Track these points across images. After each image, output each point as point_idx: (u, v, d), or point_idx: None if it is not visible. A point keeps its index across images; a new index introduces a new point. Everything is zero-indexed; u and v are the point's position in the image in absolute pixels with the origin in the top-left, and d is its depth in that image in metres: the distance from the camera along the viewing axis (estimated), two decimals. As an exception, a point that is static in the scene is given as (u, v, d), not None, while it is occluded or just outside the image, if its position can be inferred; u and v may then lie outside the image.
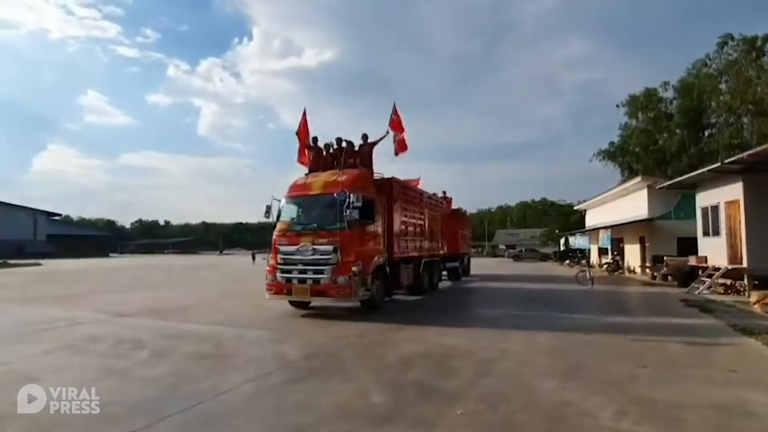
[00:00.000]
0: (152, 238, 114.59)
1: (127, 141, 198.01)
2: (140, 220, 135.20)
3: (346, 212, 8.42)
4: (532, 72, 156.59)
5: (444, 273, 16.69)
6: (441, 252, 14.77)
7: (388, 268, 9.80)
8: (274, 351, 6.27)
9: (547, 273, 24.81)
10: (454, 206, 18.24)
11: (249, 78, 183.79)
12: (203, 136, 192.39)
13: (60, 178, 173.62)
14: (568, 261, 31.58)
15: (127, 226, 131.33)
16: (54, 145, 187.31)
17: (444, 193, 17.34)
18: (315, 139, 10.81)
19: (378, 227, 9.60)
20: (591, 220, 33.24)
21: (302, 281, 8.75)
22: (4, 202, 58.08)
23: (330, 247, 8.54)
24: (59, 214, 74.60)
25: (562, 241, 41.32)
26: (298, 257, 8.88)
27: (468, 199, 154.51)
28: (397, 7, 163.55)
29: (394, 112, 10.71)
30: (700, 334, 6.99)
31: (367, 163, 10.30)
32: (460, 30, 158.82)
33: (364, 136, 10.47)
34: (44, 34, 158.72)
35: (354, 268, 8.40)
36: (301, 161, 11.03)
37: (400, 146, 10.73)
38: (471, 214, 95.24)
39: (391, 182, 10.44)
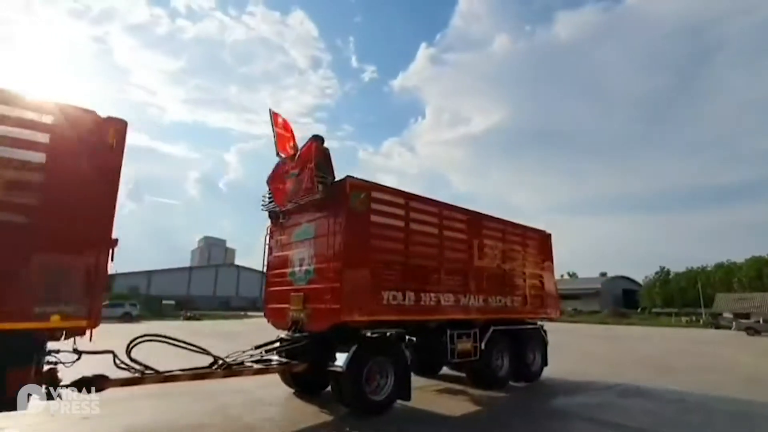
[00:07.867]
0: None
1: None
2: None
3: None
4: (752, 95, 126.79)
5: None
6: None
7: None
8: None
9: None
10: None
11: (422, 150, 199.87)
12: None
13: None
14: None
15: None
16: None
17: (321, 141, 7.05)
18: None
19: None
20: None
21: None
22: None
23: None
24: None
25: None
26: None
27: (674, 256, 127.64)
28: (567, 61, 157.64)
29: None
30: None
31: None
32: (647, 66, 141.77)
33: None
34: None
35: None
36: None
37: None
38: (678, 274, 76.81)
39: None
